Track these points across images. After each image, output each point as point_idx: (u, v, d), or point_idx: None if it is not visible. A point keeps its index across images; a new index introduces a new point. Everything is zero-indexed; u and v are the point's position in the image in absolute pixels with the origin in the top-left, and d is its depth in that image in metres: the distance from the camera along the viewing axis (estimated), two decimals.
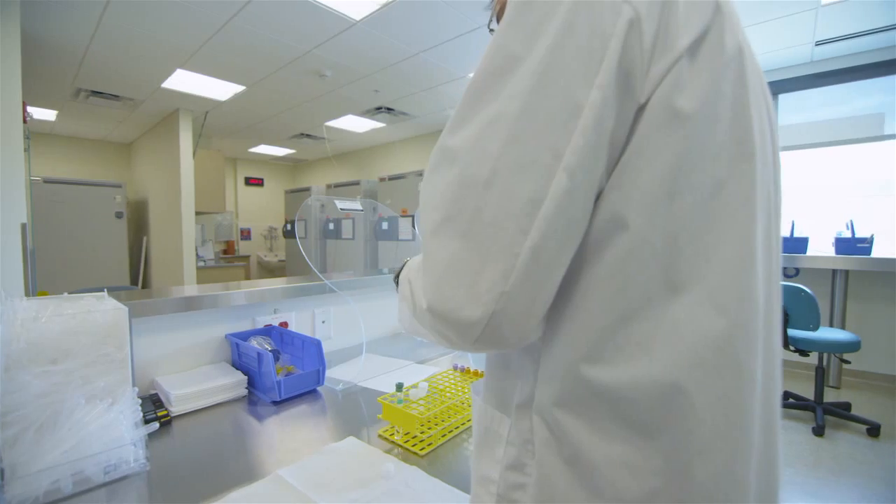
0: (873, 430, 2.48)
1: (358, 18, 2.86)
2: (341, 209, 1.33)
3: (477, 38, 3.16)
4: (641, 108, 0.35)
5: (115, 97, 4.27)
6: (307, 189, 6.19)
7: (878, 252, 3.16)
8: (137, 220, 5.89)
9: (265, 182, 8.19)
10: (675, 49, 0.34)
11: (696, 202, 0.36)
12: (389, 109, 4.99)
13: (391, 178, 5.04)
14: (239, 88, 4.12)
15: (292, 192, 6.46)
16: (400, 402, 0.82)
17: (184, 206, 4.75)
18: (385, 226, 4.91)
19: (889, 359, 3.23)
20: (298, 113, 5.03)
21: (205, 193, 5.23)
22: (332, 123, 5.56)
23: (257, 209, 8.00)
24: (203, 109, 4.76)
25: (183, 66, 3.58)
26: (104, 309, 0.78)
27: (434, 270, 0.37)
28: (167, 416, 0.90)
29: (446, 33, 3.10)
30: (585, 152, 0.33)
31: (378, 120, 5.42)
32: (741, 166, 0.38)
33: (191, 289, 1.27)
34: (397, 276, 0.59)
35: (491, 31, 0.63)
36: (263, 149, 7.10)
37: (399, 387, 0.85)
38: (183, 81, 3.90)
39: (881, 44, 3.16)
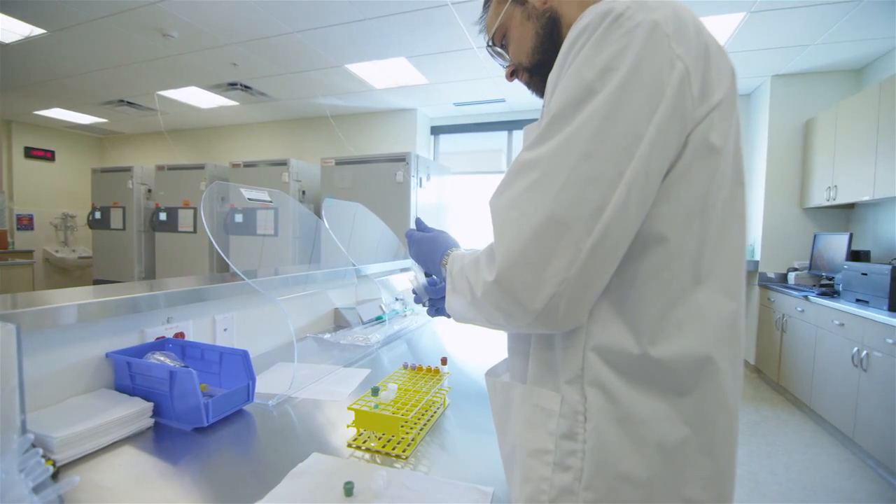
0: None
1: None
2: (249, 199, 1.10)
3: (363, 29, 3.06)
4: (685, 141, 0.45)
5: None
6: (128, 169, 4.99)
7: None
8: None
9: (56, 156, 6.40)
10: (712, 100, 0.46)
11: (716, 215, 0.48)
12: (246, 87, 4.45)
13: (246, 165, 4.45)
14: (36, 31, 3.14)
15: (105, 171, 5.15)
16: (377, 406, 0.79)
17: None
18: (239, 218, 4.33)
19: None
20: (122, 74, 4.09)
21: None
22: (168, 93, 4.67)
23: (44, 190, 6.25)
24: None
25: None
26: None
27: (509, 255, 0.43)
28: (54, 466, 0.68)
29: (332, 18, 2.92)
30: (641, 173, 0.42)
31: (230, 97, 4.78)
32: (737, 189, 0.53)
33: (43, 296, 0.95)
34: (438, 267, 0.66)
35: (488, 46, 0.67)
36: (58, 113, 5.53)
37: (375, 391, 0.81)
38: None
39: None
